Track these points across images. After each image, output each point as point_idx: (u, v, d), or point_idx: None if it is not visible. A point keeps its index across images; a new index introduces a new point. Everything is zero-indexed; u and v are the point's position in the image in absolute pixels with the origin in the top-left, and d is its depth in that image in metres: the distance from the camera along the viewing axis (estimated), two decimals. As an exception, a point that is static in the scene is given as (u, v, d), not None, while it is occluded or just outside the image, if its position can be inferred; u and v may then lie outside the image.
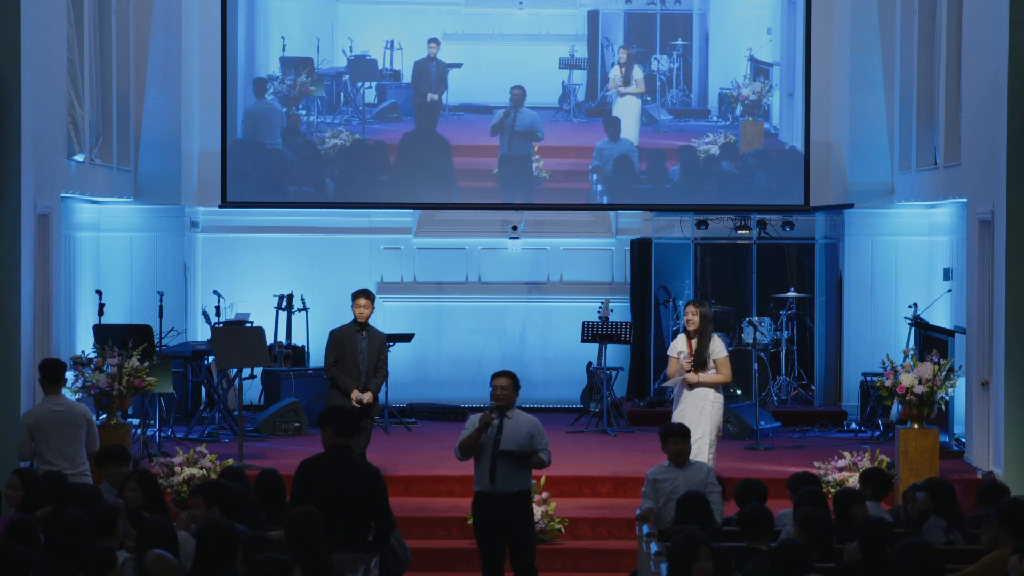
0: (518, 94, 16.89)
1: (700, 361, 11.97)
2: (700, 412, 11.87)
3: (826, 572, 7.74)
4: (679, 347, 12.11)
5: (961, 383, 13.79)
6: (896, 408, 14.07)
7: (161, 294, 16.09)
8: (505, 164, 16.92)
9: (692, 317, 12.07)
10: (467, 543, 12.04)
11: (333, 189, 16.93)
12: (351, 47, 16.97)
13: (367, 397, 12.48)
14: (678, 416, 11.85)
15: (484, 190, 17.03)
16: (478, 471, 10.21)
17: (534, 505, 11.92)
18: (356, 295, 12.68)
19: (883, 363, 13.03)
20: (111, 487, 9.59)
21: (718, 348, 12.08)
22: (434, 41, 16.92)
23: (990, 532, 8.11)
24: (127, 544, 7.95)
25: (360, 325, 12.59)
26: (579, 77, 17.02)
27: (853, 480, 12.05)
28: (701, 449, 11.70)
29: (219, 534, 7.24)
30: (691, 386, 11.98)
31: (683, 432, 10.44)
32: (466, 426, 10.29)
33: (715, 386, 12.03)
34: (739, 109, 16.98)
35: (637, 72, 16.93)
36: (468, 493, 12.70)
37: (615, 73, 16.92)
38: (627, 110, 16.94)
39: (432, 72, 16.93)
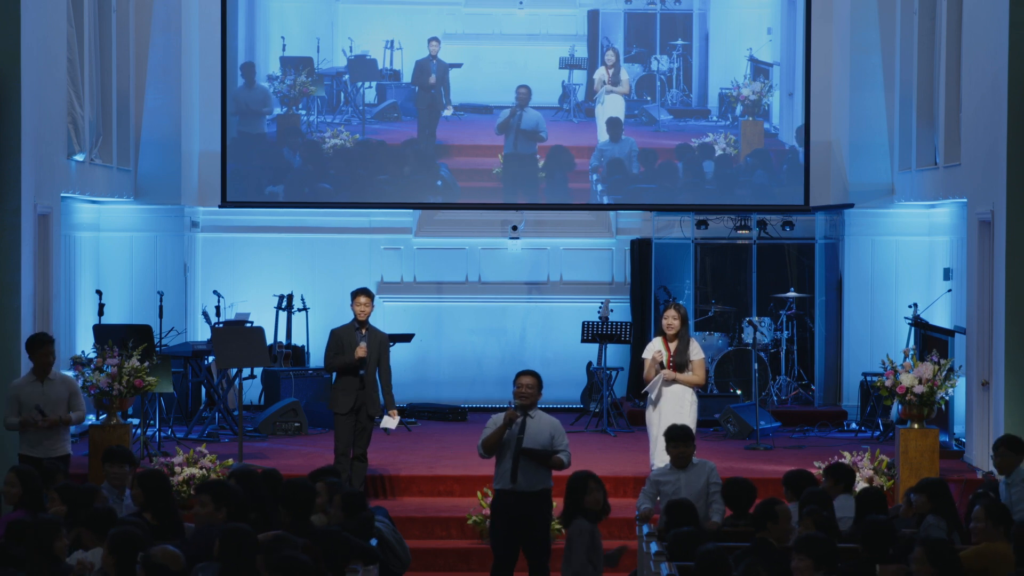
0: (523, 93, 16.89)
1: (681, 363, 12.05)
2: (679, 412, 11.90)
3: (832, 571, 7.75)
4: (655, 349, 12.19)
5: (961, 383, 13.79)
6: (896, 408, 14.07)
7: (161, 294, 16.09)
8: (510, 163, 16.90)
9: (673, 321, 12.17)
10: (467, 543, 12.05)
11: (333, 189, 16.93)
12: (351, 47, 16.96)
13: (394, 414, 12.62)
14: (656, 415, 11.94)
15: (484, 190, 17.02)
16: (499, 469, 10.23)
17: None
18: (356, 293, 12.69)
19: (883, 363, 13.03)
20: (112, 487, 9.62)
21: (696, 350, 12.20)
22: (435, 40, 16.93)
23: (981, 528, 8.19)
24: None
25: (360, 324, 12.60)
26: (579, 77, 17.02)
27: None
28: None
29: (241, 539, 7.31)
30: (668, 383, 12.02)
31: (685, 435, 10.47)
32: (488, 424, 10.31)
33: (692, 386, 12.09)
34: (739, 109, 16.98)
35: (624, 73, 16.92)
36: (468, 493, 12.77)
37: (600, 73, 16.91)
38: (613, 110, 16.91)
39: (433, 71, 16.93)
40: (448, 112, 16.89)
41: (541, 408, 10.40)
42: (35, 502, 8.98)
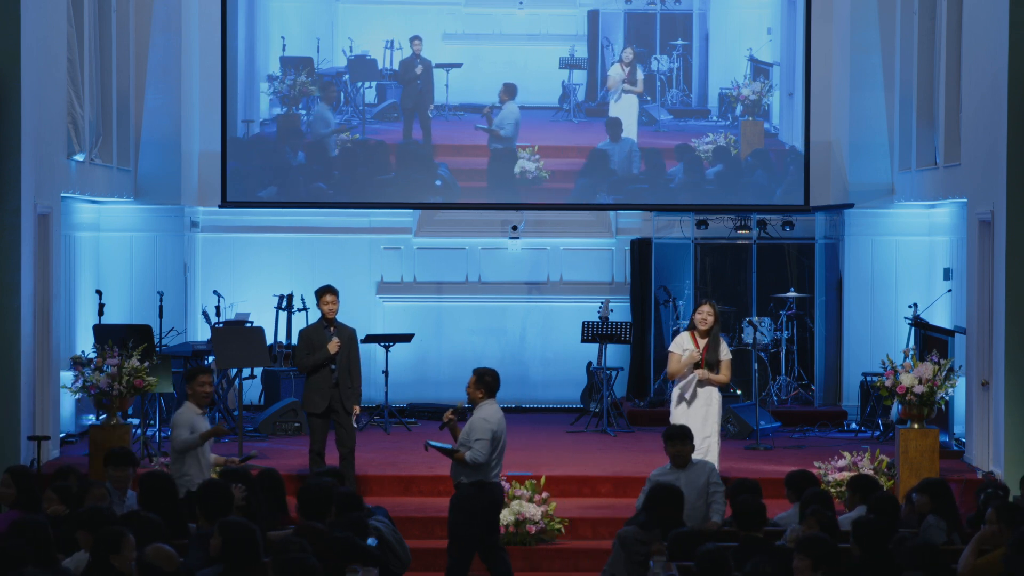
0: (502, 90, 16.85)
1: (712, 362, 11.98)
2: (707, 412, 11.90)
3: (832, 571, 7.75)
4: (684, 345, 12.07)
5: (961, 383, 13.79)
6: (896, 408, 14.07)
7: (161, 294, 16.09)
8: (494, 160, 16.86)
9: (708, 317, 12.05)
10: (467, 543, 12.04)
11: (333, 189, 16.92)
12: (351, 47, 16.96)
13: (356, 410, 12.64)
14: (683, 414, 11.85)
15: (485, 190, 17.01)
16: None
17: (532, 504, 11.98)
18: (322, 292, 12.69)
19: (883, 363, 13.04)
20: (113, 489, 9.62)
21: (725, 350, 12.10)
22: (417, 39, 16.85)
23: (996, 531, 8.16)
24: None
25: (328, 322, 12.61)
26: (579, 77, 17.01)
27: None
28: (712, 448, 11.78)
29: (242, 535, 7.29)
30: (702, 383, 11.95)
31: (683, 434, 10.47)
32: None
33: (719, 386, 12.06)
34: (739, 109, 16.98)
35: (639, 72, 16.92)
36: (468, 493, 12.73)
37: (615, 71, 16.90)
38: (627, 109, 16.92)
39: (417, 70, 16.88)
40: (431, 111, 16.86)
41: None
42: (30, 502, 8.98)
